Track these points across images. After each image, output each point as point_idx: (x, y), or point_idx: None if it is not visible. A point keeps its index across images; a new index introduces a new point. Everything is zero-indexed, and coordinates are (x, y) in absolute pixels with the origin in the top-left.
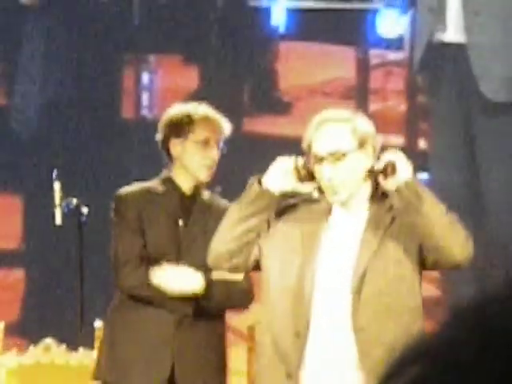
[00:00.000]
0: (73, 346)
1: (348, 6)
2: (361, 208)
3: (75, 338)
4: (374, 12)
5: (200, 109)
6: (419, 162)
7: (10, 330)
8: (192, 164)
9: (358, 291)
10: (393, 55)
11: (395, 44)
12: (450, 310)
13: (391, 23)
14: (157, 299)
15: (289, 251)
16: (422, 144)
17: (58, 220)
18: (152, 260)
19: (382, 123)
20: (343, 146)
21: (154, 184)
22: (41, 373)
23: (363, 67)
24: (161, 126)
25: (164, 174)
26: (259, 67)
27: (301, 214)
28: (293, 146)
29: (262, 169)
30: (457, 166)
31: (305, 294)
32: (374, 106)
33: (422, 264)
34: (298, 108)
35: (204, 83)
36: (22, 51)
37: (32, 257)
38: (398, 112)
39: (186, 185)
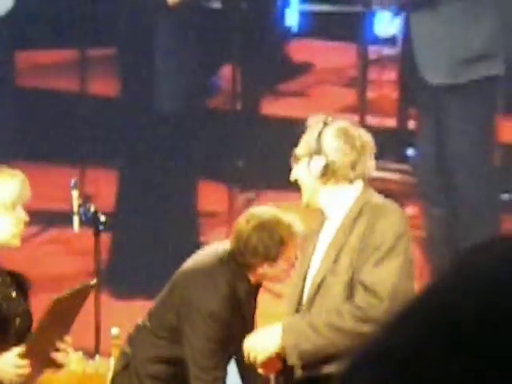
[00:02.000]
0: (90, 353)
1: (350, 9)
2: (337, 218)
3: (92, 345)
4: (372, 14)
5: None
6: (409, 139)
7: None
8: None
9: (310, 302)
10: (387, 51)
11: (389, 42)
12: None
13: (386, 24)
14: None
15: (294, 273)
16: (411, 125)
17: (76, 227)
18: None
19: (378, 108)
20: (299, 150)
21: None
22: (57, 379)
23: (363, 61)
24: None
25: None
26: (276, 61)
27: (308, 232)
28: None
29: (277, 146)
30: (431, 141)
31: None
32: (371, 93)
33: None
34: (308, 94)
35: (234, 75)
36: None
37: None
38: (392, 99)
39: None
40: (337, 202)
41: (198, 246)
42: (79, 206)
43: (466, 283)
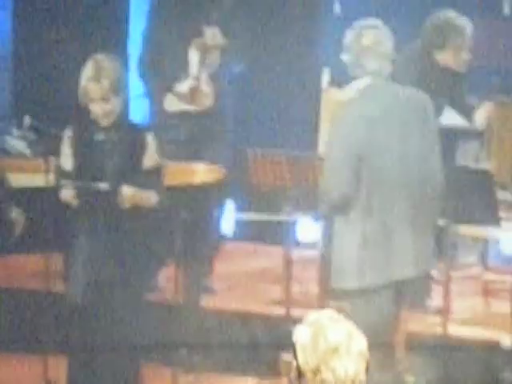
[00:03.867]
0: None
1: (277, 218)
2: None
3: None
4: (295, 222)
5: None
6: None
7: None
8: None
9: None
10: (308, 253)
11: (310, 246)
12: None
13: (307, 231)
14: None
15: None
16: None
17: None
18: None
19: (301, 302)
20: None
21: None
22: None
23: (287, 261)
24: None
25: None
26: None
27: None
28: None
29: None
30: None
31: None
32: (294, 288)
33: None
34: (234, 290)
35: (176, 273)
36: None
37: None
38: (312, 294)
39: None
40: None
41: None
42: None
43: None
